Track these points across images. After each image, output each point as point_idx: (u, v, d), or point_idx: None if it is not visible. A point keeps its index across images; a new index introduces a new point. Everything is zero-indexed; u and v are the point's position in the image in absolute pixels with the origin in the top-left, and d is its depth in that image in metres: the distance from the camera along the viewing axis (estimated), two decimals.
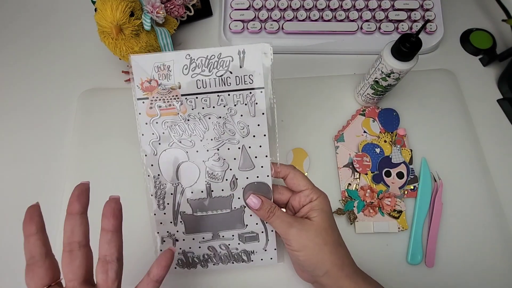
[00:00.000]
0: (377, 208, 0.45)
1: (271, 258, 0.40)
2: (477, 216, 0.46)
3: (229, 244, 0.39)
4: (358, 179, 0.47)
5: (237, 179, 0.37)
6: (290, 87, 0.53)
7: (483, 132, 0.50)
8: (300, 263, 0.35)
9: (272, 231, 0.39)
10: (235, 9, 0.55)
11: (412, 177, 0.46)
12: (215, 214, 0.38)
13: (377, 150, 0.47)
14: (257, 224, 0.38)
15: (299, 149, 0.49)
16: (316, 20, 0.54)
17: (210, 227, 0.38)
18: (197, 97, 0.36)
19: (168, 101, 0.36)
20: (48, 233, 0.28)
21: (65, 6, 0.60)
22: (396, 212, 0.45)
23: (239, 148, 0.36)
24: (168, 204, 0.37)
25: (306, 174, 0.47)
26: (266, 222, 0.38)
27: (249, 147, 0.36)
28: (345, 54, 0.56)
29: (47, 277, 0.27)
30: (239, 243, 0.39)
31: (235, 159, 0.37)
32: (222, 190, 0.37)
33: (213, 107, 0.36)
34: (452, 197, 0.46)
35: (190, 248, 0.39)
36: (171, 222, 0.38)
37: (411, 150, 0.48)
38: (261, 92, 0.36)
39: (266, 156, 0.37)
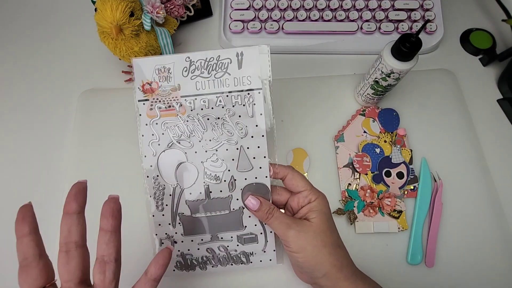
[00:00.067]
0: (377, 208, 0.45)
1: (270, 260, 0.40)
2: (477, 216, 0.45)
3: (228, 246, 0.39)
4: (358, 179, 0.47)
5: (235, 180, 0.37)
6: (290, 87, 0.52)
7: (483, 132, 0.50)
8: (299, 265, 0.35)
9: (271, 232, 0.39)
10: (235, 9, 0.55)
11: (412, 177, 0.46)
12: (214, 215, 0.38)
13: (377, 150, 0.47)
14: (256, 225, 0.38)
15: (299, 149, 0.49)
16: (316, 20, 0.54)
17: (208, 229, 0.38)
18: (196, 99, 0.36)
19: (168, 103, 0.36)
20: (48, 233, 0.28)
21: (65, 6, 0.60)
22: (396, 212, 0.45)
23: (237, 149, 0.36)
24: (166, 205, 0.37)
25: (306, 174, 0.47)
26: (265, 224, 0.38)
27: (248, 147, 0.36)
28: (345, 54, 0.56)
29: (41, 278, 0.27)
30: (238, 245, 0.39)
31: (233, 160, 0.37)
32: (221, 191, 0.37)
33: (212, 108, 0.36)
34: (452, 197, 0.46)
35: (188, 250, 0.39)
36: (169, 224, 0.38)
37: (411, 150, 0.48)
38: (259, 93, 0.36)
39: (265, 156, 0.37)
